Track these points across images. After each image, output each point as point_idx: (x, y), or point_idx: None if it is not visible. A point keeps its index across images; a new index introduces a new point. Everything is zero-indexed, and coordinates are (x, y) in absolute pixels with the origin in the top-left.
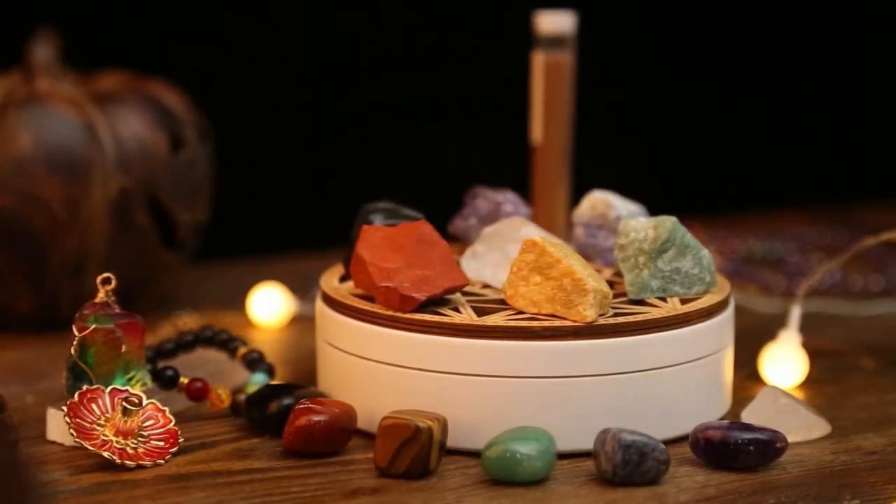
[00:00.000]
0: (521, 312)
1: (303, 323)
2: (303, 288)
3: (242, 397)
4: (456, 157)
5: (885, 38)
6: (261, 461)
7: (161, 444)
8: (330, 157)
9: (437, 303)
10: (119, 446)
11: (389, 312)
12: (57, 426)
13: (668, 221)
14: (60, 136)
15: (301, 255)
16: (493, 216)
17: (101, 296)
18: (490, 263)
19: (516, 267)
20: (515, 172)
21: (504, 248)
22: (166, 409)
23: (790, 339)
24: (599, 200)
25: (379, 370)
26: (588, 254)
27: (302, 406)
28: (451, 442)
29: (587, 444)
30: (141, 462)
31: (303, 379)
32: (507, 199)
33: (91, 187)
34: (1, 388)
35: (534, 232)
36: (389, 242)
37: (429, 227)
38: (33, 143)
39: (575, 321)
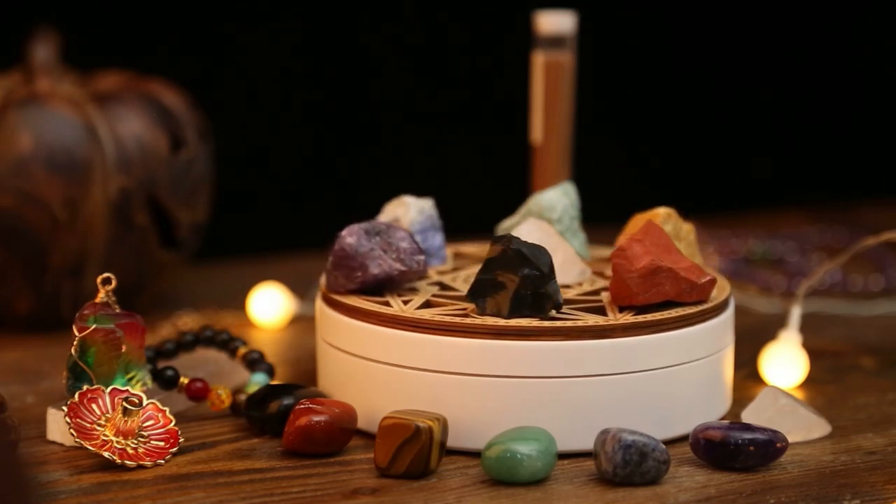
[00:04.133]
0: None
1: (303, 323)
2: (303, 288)
3: (242, 397)
4: (456, 157)
5: (886, 38)
6: (261, 461)
7: (161, 444)
8: (330, 156)
9: None
10: (119, 446)
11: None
12: (57, 426)
13: (569, 184)
14: (60, 136)
15: (301, 255)
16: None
17: (101, 296)
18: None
19: None
20: (515, 172)
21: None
22: (166, 409)
23: (790, 339)
24: (424, 203)
25: (379, 370)
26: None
27: (302, 406)
28: (451, 442)
29: (587, 444)
30: (141, 462)
31: (303, 379)
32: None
33: (91, 187)
34: (1, 388)
35: (543, 226)
36: (657, 247)
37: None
38: (33, 143)
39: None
